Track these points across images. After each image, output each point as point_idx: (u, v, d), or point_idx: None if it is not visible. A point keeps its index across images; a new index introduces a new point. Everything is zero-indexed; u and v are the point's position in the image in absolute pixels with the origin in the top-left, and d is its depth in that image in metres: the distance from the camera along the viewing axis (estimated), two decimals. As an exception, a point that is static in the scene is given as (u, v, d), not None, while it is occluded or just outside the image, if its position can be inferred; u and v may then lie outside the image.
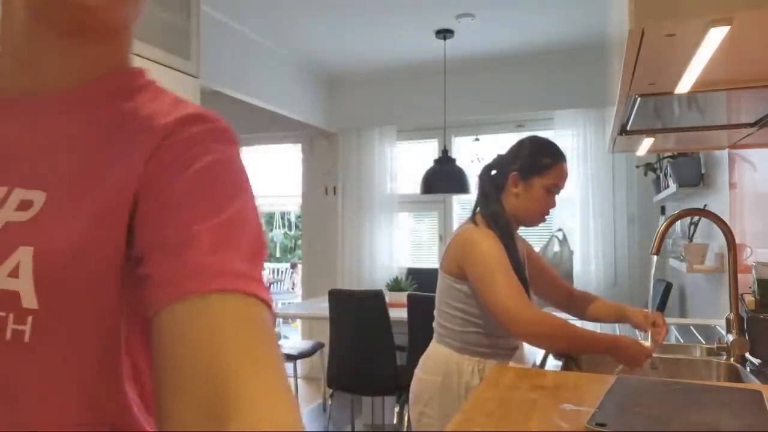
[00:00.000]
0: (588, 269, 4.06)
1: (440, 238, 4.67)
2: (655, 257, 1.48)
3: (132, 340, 0.51)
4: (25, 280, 0.45)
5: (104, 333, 0.49)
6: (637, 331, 1.66)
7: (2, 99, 0.55)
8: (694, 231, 2.55)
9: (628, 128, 1.58)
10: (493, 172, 1.65)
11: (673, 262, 2.78)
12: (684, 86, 1.12)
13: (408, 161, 4.70)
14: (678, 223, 2.74)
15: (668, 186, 2.79)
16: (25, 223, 0.48)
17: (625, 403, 1.03)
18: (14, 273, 0.45)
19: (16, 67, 0.55)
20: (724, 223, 1.51)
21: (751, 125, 1.53)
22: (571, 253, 3.83)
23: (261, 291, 0.45)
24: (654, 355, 1.47)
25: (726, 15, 0.80)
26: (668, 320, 2.32)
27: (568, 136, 4.09)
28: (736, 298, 1.49)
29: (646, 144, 1.85)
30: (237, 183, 0.50)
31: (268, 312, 0.45)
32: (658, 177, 3.26)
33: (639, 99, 1.26)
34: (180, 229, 0.46)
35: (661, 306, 3.03)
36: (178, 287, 0.43)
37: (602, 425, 0.92)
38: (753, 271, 1.50)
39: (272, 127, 4.77)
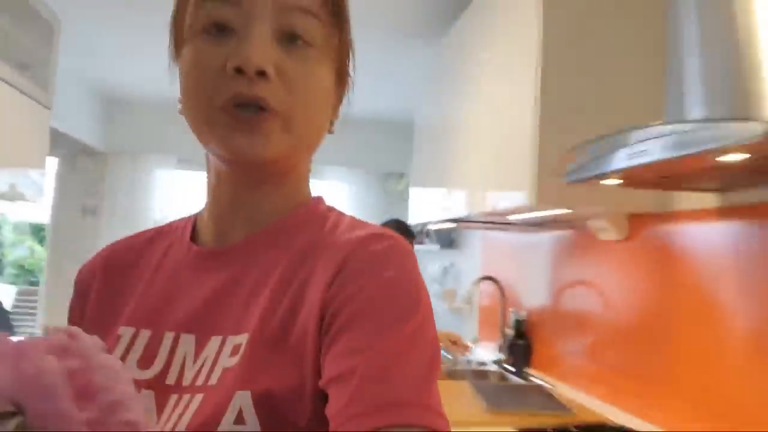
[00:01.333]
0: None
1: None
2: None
3: None
4: (252, 425, 0.47)
5: None
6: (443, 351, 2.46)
7: (198, 251, 0.61)
8: (445, 276, 3.57)
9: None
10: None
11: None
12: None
13: (189, 190, 4.83)
14: (435, 269, 3.80)
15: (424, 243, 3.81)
16: (235, 367, 0.50)
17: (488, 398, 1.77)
18: (240, 419, 0.47)
19: (215, 221, 0.61)
20: (498, 283, 2.44)
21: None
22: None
23: (430, 420, 0.44)
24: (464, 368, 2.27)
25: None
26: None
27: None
28: (503, 328, 2.41)
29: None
30: (414, 298, 0.51)
31: None
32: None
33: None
34: (351, 353, 0.47)
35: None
36: (346, 424, 0.43)
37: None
38: (511, 313, 2.45)
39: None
